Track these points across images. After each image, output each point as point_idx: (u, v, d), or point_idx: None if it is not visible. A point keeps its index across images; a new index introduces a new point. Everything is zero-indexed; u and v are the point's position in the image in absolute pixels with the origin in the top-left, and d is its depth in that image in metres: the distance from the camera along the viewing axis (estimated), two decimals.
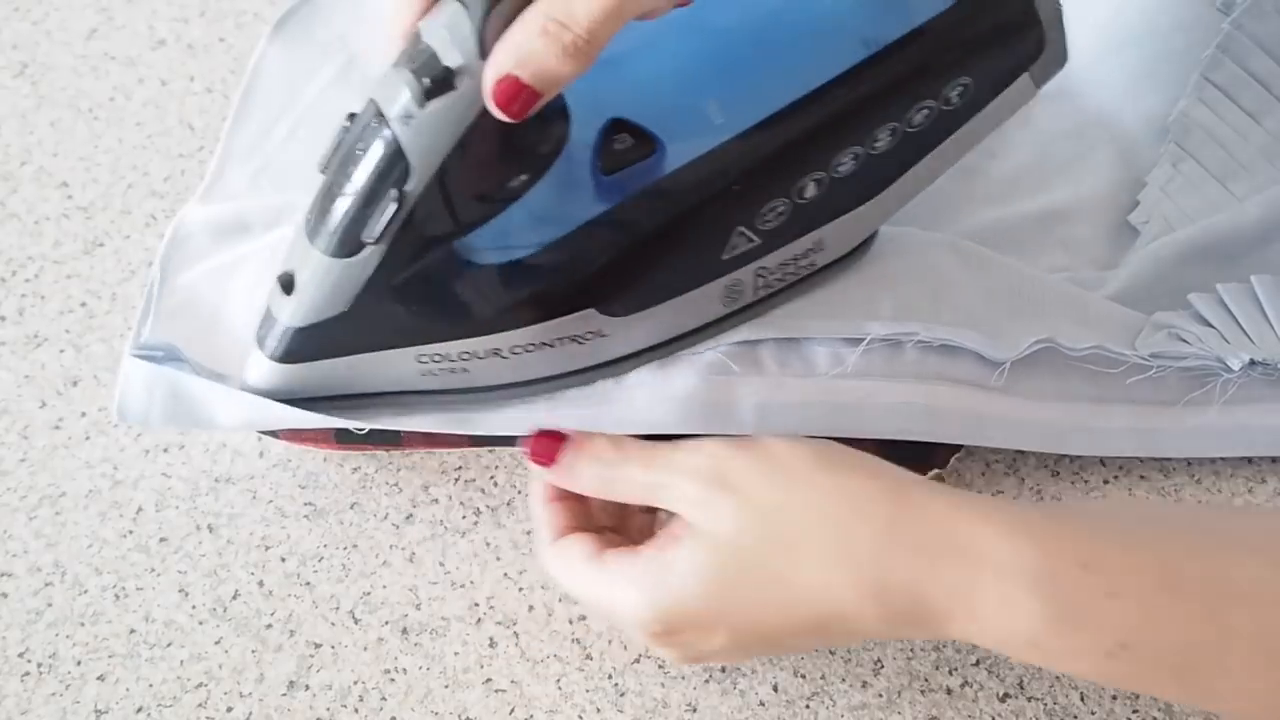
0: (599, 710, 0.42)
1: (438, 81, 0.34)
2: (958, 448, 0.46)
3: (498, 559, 0.45)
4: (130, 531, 0.46)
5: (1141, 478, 0.47)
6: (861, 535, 0.34)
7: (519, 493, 0.47)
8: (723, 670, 0.42)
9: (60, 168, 0.58)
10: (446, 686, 0.42)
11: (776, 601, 0.35)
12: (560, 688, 0.42)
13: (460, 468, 0.48)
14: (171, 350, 0.43)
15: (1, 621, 0.43)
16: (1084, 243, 0.52)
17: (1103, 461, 0.48)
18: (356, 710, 0.42)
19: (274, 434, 0.47)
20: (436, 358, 0.40)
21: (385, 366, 0.40)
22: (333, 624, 0.44)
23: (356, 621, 0.44)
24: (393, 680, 0.42)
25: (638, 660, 0.43)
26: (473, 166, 0.36)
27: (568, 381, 0.43)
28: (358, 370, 0.41)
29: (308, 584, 0.45)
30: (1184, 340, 0.46)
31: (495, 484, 0.47)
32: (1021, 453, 0.48)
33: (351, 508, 0.46)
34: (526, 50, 0.32)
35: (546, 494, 0.41)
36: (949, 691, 0.42)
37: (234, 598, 0.44)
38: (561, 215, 0.39)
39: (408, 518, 0.46)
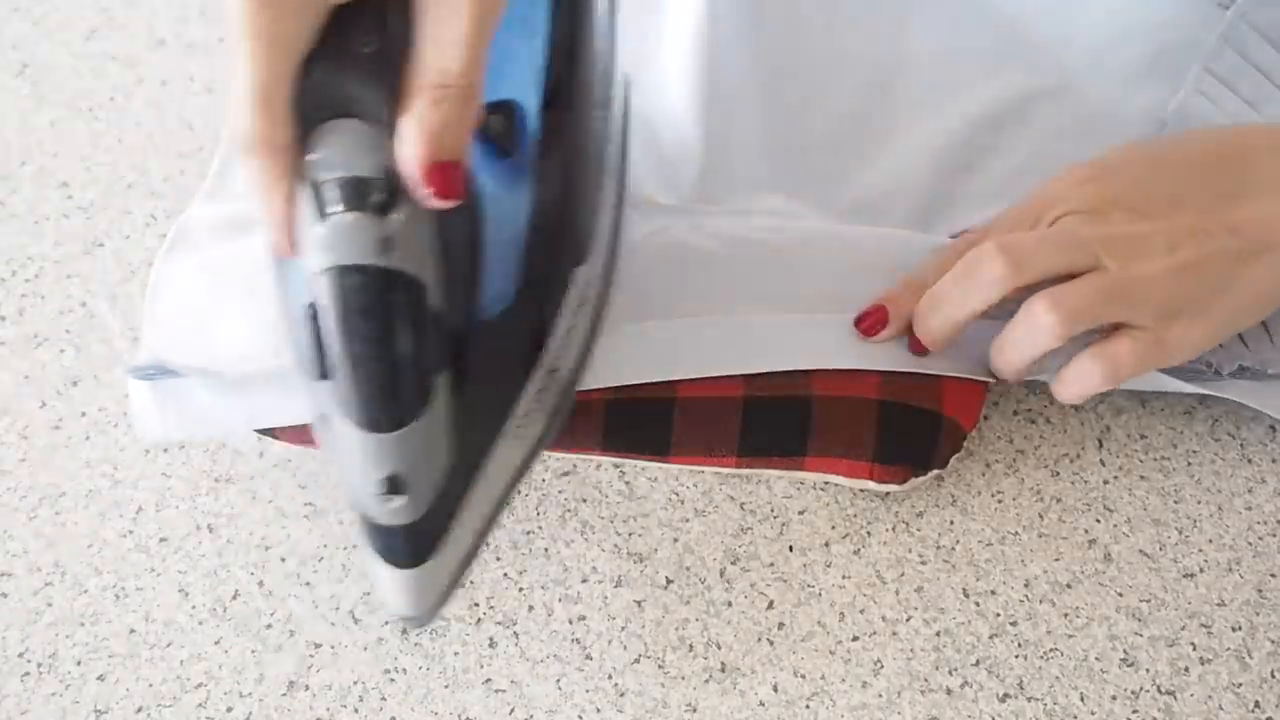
0: (599, 710, 0.42)
1: (381, 195, 0.32)
2: (958, 447, 0.46)
3: (498, 559, 0.45)
4: (130, 531, 0.46)
5: (1141, 478, 0.47)
6: None
7: (518, 493, 0.47)
8: (722, 670, 0.42)
9: (60, 168, 0.58)
10: (446, 686, 0.42)
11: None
12: (560, 688, 0.42)
13: None
14: (162, 366, 0.43)
15: (1, 621, 0.44)
16: None
17: (1103, 462, 0.48)
18: (356, 710, 0.42)
19: (273, 435, 0.46)
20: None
21: (495, 460, 0.39)
22: (333, 624, 0.44)
23: (356, 621, 0.44)
24: (393, 680, 0.42)
25: (638, 660, 0.43)
26: (453, 246, 0.34)
27: None
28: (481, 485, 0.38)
29: (308, 584, 0.45)
30: None
31: None
32: (1021, 453, 0.48)
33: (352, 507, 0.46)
34: (432, 131, 0.31)
35: None
36: (949, 691, 0.42)
37: (234, 598, 0.44)
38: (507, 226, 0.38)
39: None
